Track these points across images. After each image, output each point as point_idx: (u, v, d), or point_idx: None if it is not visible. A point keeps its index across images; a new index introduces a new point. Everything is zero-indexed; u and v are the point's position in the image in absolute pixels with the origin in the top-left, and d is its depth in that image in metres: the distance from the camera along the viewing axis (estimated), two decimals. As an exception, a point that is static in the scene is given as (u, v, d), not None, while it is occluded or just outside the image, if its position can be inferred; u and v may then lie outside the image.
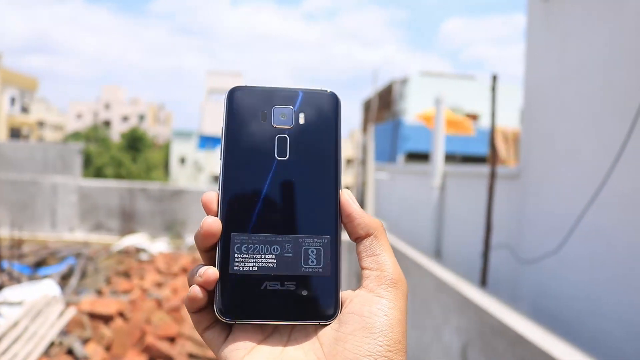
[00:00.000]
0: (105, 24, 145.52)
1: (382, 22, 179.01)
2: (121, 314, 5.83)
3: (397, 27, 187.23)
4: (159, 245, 10.57)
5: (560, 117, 5.29)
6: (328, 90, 0.55)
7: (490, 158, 5.52)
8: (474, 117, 18.69)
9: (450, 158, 12.50)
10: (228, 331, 0.51)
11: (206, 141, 42.37)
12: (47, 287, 6.22)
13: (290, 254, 0.51)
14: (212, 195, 0.52)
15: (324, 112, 0.54)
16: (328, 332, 0.49)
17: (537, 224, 5.55)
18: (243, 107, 0.54)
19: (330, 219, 0.52)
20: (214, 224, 0.50)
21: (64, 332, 5.26)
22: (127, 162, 31.00)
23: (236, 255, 0.50)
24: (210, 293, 0.50)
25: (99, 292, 7.10)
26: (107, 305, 5.81)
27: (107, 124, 60.30)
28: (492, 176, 5.47)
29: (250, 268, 0.50)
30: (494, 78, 5.44)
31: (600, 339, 4.36)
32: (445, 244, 7.86)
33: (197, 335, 5.49)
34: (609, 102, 4.55)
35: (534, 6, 5.83)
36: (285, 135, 0.53)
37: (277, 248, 0.51)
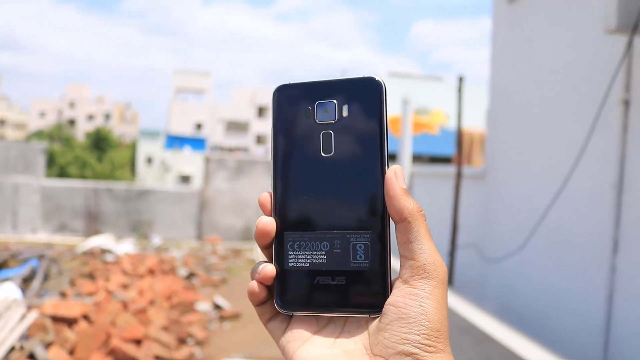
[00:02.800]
0: (74, 21, 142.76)
1: (353, 24, 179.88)
2: (85, 317, 5.72)
3: (368, 28, 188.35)
4: (124, 246, 10.40)
5: (524, 118, 5.38)
6: (376, 78, 0.53)
7: (456, 158, 5.59)
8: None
9: (417, 158, 12.61)
10: (288, 322, 0.54)
11: (173, 141, 41.89)
12: (7, 290, 6.06)
13: (339, 250, 0.53)
14: (267, 196, 0.55)
15: (367, 100, 0.53)
16: (374, 322, 0.51)
17: (502, 223, 5.65)
18: (288, 106, 0.55)
19: (378, 213, 0.52)
20: (269, 224, 0.54)
21: (25, 337, 5.13)
22: (92, 162, 30.46)
23: (290, 253, 0.54)
24: (270, 287, 0.54)
25: (63, 295, 6.95)
26: (71, 307, 5.69)
27: (71, 122, 59.10)
28: (458, 176, 5.54)
29: (303, 264, 0.53)
30: (460, 79, 5.51)
31: (563, 334, 4.45)
32: (413, 243, 7.91)
33: (163, 337, 5.42)
34: (571, 103, 4.66)
35: (499, 9, 5.93)
36: (330, 131, 0.54)
37: (326, 244, 0.53)
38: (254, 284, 0.54)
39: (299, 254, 0.53)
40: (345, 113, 0.53)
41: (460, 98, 5.50)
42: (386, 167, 0.52)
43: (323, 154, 0.53)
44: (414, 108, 9.92)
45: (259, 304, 0.55)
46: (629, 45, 3.54)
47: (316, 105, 0.54)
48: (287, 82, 0.56)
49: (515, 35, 5.63)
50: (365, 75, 0.53)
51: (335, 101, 0.54)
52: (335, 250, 0.53)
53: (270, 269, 0.53)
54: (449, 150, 14.77)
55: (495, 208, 5.80)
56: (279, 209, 0.54)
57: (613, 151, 4.06)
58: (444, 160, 14.69)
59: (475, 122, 13.41)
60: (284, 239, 0.54)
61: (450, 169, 6.60)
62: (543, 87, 5.10)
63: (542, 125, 5.09)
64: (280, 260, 0.54)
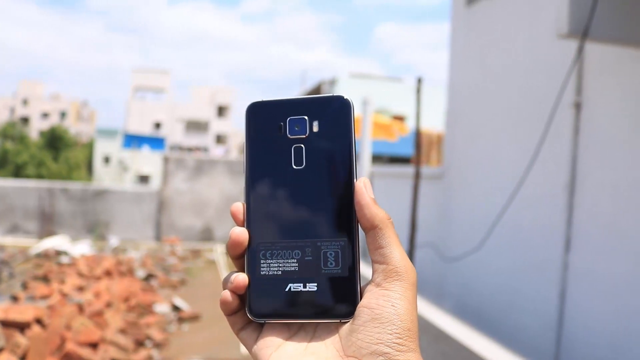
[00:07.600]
0: (34, 18, 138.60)
1: (318, 26, 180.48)
2: (39, 321, 5.56)
3: (333, 30, 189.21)
4: (80, 248, 10.16)
5: (481, 120, 5.49)
6: (344, 96, 0.56)
7: (414, 159, 5.66)
8: (401, 118, 19.11)
9: (377, 159, 12.72)
10: (260, 331, 0.55)
11: (131, 140, 41.13)
12: (-44, 294, 5.85)
13: (311, 258, 0.54)
14: (239, 206, 0.56)
15: (336, 117, 0.56)
16: (345, 326, 0.53)
17: (460, 223, 5.74)
18: (260, 122, 0.57)
19: (347, 222, 0.54)
20: (242, 234, 0.55)
21: (-25, 342, 4.96)
22: (48, 161, 29.65)
23: (262, 261, 0.55)
24: (242, 296, 0.55)
25: (15, 298, 6.75)
26: (23, 311, 5.53)
27: (24, 120, 57.37)
28: (417, 176, 5.61)
29: (275, 272, 0.55)
30: (419, 81, 5.57)
31: (519, 331, 4.56)
32: (373, 243, 7.98)
33: (120, 340, 5.33)
34: (525, 105, 4.77)
35: (457, 12, 6.03)
36: (301, 145, 0.56)
37: (298, 253, 0.55)
38: (227, 294, 0.54)
39: (271, 262, 0.55)
40: (315, 128, 0.56)
41: (419, 99, 5.57)
42: (355, 179, 0.55)
43: (294, 167, 0.56)
44: (374, 108, 10.00)
45: (231, 314, 0.56)
46: (580, 50, 3.65)
47: (288, 121, 0.57)
48: (260, 100, 0.58)
49: (472, 38, 5.74)
50: (334, 94, 0.56)
51: (306, 117, 0.56)
52: (306, 258, 0.54)
53: (242, 278, 0.54)
54: (408, 150, 14.96)
55: (453, 208, 5.90)
56: (252, 219, 0.56)
57: (565, 153, 4.18)
58: (403, 160, 14.86)
59: (434, 122, 13.60)
60: (256, 248, 0.55)
61: (409, 169, 6.68)
62: (499, 90, 5.21)
63: (498, 127, 5.20)
64: (252, 269, 0.55)
